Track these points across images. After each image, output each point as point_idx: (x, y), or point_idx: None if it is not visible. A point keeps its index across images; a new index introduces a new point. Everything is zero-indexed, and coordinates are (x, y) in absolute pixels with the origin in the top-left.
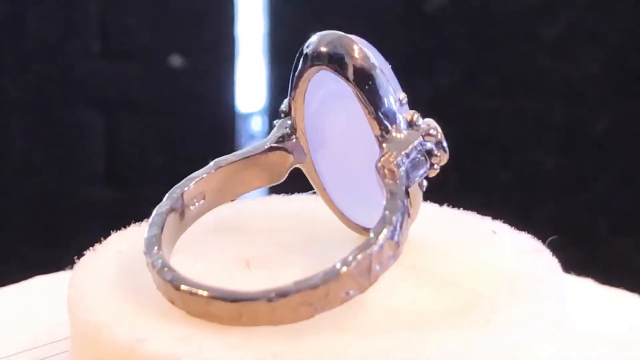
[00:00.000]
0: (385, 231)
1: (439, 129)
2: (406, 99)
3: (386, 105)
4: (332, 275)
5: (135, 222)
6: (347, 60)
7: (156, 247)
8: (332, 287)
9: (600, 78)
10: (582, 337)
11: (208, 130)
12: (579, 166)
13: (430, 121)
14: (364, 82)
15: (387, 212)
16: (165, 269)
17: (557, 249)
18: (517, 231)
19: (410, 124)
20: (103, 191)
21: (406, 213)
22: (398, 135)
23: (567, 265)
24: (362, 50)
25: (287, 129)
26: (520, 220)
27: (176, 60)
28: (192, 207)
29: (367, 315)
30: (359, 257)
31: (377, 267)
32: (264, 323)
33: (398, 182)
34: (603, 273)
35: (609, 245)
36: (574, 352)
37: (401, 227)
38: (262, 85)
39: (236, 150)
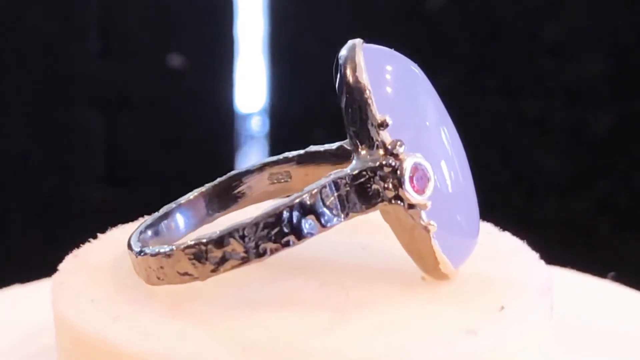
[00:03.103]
0: (239, 228)
1: (406, 165)
2: (389, 123)
3: (357, 123)
4: (167, 250)
5: (130, 222)
6: (339, 69)
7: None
8: (164, 261)
9: (600, 78)
10: (577, 333)
11: (208, 130)
12: (579, 166)
13: (413, 156)
14: (342, 94)
15: (260, 213)
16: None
17: (557, 249)
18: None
19: (386, 151)
20: (103, 191)
21: (292, 234)
22: (362, 157)
23: (567, 265)
24: (351, 63)
25: None
26: (520, 220)
27: (176, 60)
28: (267, 183)
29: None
30: (194, 242)
31: (217, 258)
32: (138, 274)
33: (308, 196)
34: (603, 273)
35: (609, 245)
36: (567, 348)
37: (263, 237)
38: (262, 85)
39: (235, 151)
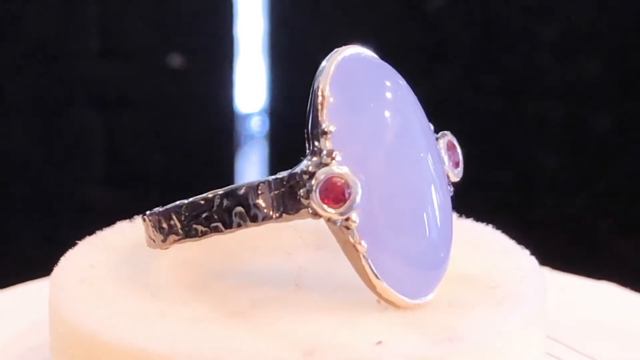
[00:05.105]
0: (180, 205)
1: (318, 174)
2: (330, 131)
3: (309, 127)
4: (143, 215)
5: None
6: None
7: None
8: (144, 225)
9: (600, 78)
10: (575, 331)
11: (208, 130)
12: (579, 166)
13: (336, 167)
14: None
15: (198, 195)
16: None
17: (557, 249)
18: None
19: (320, 158)
20: (102, 191)
21: (220, 221)
22: (307, 161)
23: (567, 265)
24: (323, 69)
25: None
26: (520, 220)
27: (175, 60)
28: None
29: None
30: (155, 210)
31: (165, 229)
32: None
33: (243, 189)
34: (603, 273)
35: (609, 245)
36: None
37: (195, 218)
38: (261, 85)
39: (235, 151)
